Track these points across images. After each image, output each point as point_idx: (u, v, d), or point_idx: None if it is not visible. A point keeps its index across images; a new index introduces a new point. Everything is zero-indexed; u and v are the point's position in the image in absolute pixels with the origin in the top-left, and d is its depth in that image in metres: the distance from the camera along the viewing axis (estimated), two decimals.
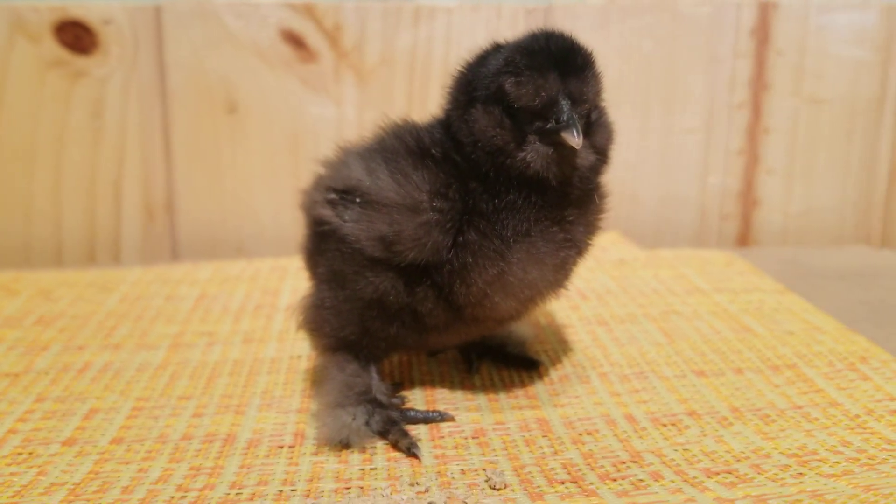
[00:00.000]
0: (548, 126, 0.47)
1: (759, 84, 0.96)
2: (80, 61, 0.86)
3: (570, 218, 0.50)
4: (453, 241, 0.49)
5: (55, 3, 0.85)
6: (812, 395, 0.54)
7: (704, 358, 0.61)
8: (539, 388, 0.56)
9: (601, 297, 0.74)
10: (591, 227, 0.52)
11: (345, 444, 0.48)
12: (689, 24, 0.94)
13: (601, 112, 0.51)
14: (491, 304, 0.50)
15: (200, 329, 0.67)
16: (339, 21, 0.90)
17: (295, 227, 0.94)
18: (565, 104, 0.47)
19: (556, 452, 0.47)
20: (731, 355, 0.61)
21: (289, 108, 0.92)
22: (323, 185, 0.54)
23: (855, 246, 0.99)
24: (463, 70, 0.52)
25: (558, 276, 0.52)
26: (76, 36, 0.86)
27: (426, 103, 0.92)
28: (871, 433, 0.49)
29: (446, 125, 0.52)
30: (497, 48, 0.51)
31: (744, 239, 1.01)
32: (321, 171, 0.59)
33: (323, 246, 0.53)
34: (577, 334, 0.66)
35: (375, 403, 0.51)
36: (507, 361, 0.60)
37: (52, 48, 0.85)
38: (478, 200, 0.49)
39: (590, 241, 0.53)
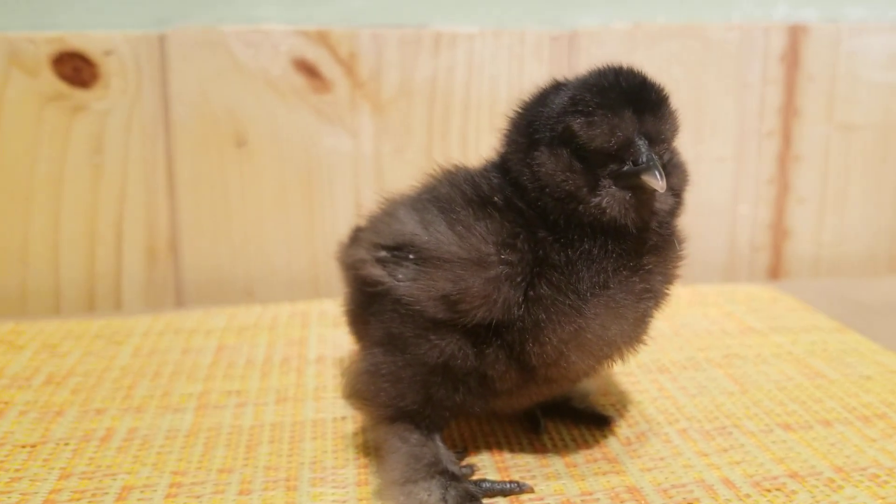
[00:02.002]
0: (625, 168, 0.43)
1: (789, 111, 0.93)
2: (79, 95, 0.80)
3: (649, 266, 0.45)
4: (524, 295, 0.44)
5: (53, 33, 0.79)
6: None
7: (785, 409, 0.56)
8: (616, 448, 0.51)
9: (655, 339, 0.68)
10: (669, 276, 0.48)
11: None
12: (717, 50, 0.90)
13: (674, 152, 0.47)
14: (567, 364, 0.45)
15: (226, 387, 0.61)
16: (354, 49, 0.85)
17: (309, 269, 0.89)
18: (643, 144, 0.43)
19: None
20: (812, 405, 0.57)
21: (301, 141, 0.86)
22: (369, 241, 0.49)
23: (894, 277, 0.95)
24: (521, 110, 0.47)
25: (638, 330, 0.47)
26: (75, 68, 0.80)
27: (447, 136, 0.88)
28: None
29: (504, 170, 0.47)
30: (558, 86, 0.47)
31: (775, 271, 0.97)
32: (364, 224, 0.54)
33: (375, 307, 0.48)
34: (641, 384, 0.61)
35: (448, 476, 0.45)
36: (576, 418, 0.55)
37: (50, 81, 0.79)
38: (549, 251, 0.44)
39: (668, 291, 0.48)
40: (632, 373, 0.62)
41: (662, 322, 0.73)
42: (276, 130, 0.86)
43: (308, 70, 0.85)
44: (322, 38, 0.84)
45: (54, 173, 0.82)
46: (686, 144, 0.92)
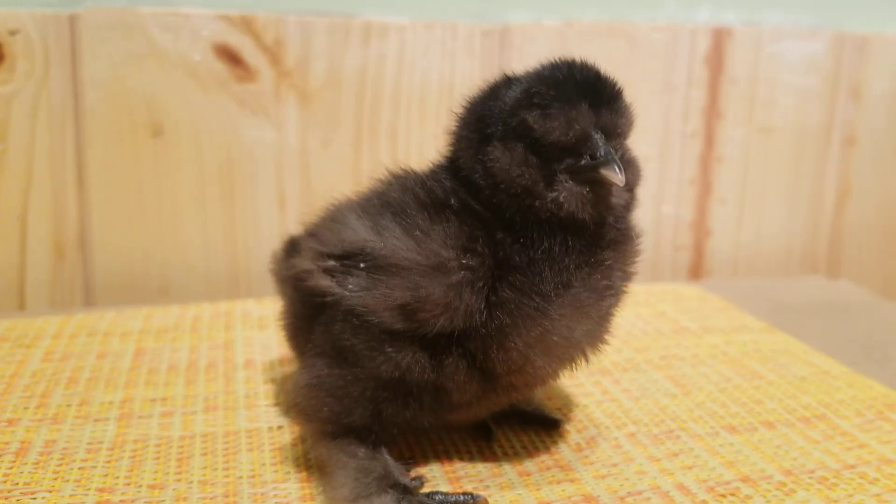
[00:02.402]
0: (582, 162, 0.42)
1: (712, 112, 0.94)
2: None
3: (608, 262, 0.44)
4: (486, 301, 0.42)
5: None
6: (858, 452, 0.51)
7: (728, 411, 0.56)
8: (568, 454, 0.50)
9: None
10: (628, 272, 0.47)
11: None
12: (644, 50, 0.91)
13: (626, 148, 0.46)
14: (532, 369, 0.43)
15: (149, 395, 0.57)
16: (280, 36, 0.81)
17: (229, 267, 0.85)
18: (600, 138, 0.41)
19: None
20: (753, 406, 0.57)
21: (222, 132, 0.82)
22: (314, 251, 0.46)
23: (808, 276, 0.98)
24: (470, 105, 0.46)
25: (601, 329, 0.46)
26: None
27: (376, 129, 0.85)
28: None
29: (453, 170, 0.45)
30: (509, 80, 0.45)
31: (696, 270, 0.99)
32: (299, 233, 0.51)
33: (322, 318, 0.45)
34: (584, 386, 0.60)
35: (400, 489, 0.43)
36: (525, 421, 0.53)
37: None
38: (509, 252, 0.42)
39: (626, 288, 0.47)
40: (573, 375, 0.61)
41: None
42: (196, 120, 0.81)
43: (230, 57, 0.81)
44: (246, 24, 0.80)
45: None
46: None
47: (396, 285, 0.41)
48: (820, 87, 0.96)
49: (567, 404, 0.57)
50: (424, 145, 0.86)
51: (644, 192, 0.93)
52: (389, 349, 0.42)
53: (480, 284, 0.41)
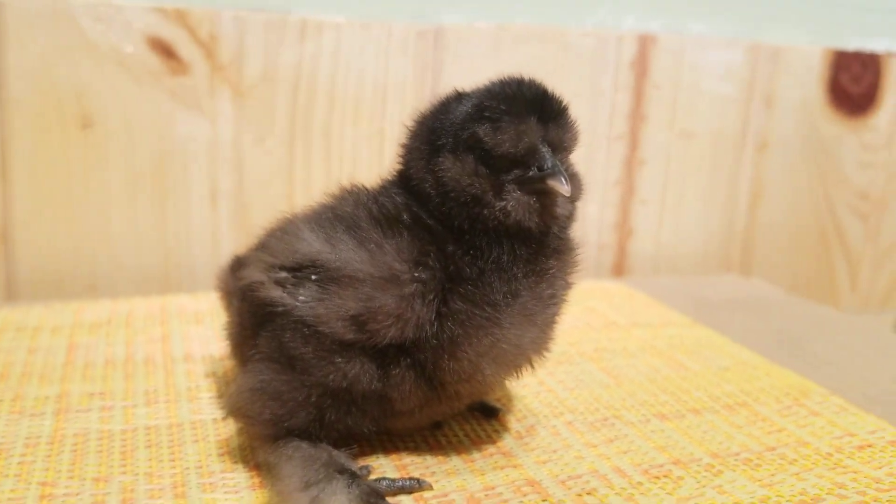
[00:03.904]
0: (530, 174, 0.44)
1: (636, 116, 0.98)
2: None
3: (553, 271, 0.47)
4: (437, 313, 0.43)
5: None
6: (777, 435, 0.54)
7: (658, 399, 0.59)
8: (510, 442, 0.52)
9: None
10: (567, 282, 0.49)
11: None
12: (574, 55, 0.93)
13: (569, 162, 0.48)
14: (482, 377, 0.46)
15: (87, 389, 0.56)
16: (215, 31, 0.81)
17: (160, 263, 0.84)
18: (547, 151, 0.44)
19: None
20: (681, 395, 0.60)
21: (154, 125, 0.81)
22: (265, 262, 0.47)
23: (724, 275, 1.03)
24: (421, 120, 0.48)
25: (545, 336, 0.49)
26: None
27: (310, 126, 0.85)
28: (855, 472, 0.49)
29: (404, 181, 0.47)
30: (460, 96, 0.47)
31: (619, 268, 1.02)
32: (244, 253, 0.51)
33: (270, 326, 0.46)
34: (521, 378, 0.61)
35: (349, 474, 0.44)
36: (467, 408, 0.55)
37: None
38: (459, 264, 0.44)
39: (566, 297, 0.49)
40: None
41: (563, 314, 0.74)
42: (127, 113, 0.80)
43: (164, 50, 0.80)
44: (180, 17, 0.79)
45: None
46: None
47: (349, 296, 0.43)
48: (736, 94, 1.00)
49: (506, 395, 0.58)
50: (358, 144, 0.87)
51: None
52: (339, 359, 0.44)
53: (431, 297, 0.43)
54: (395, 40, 0.86)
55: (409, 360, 0.44)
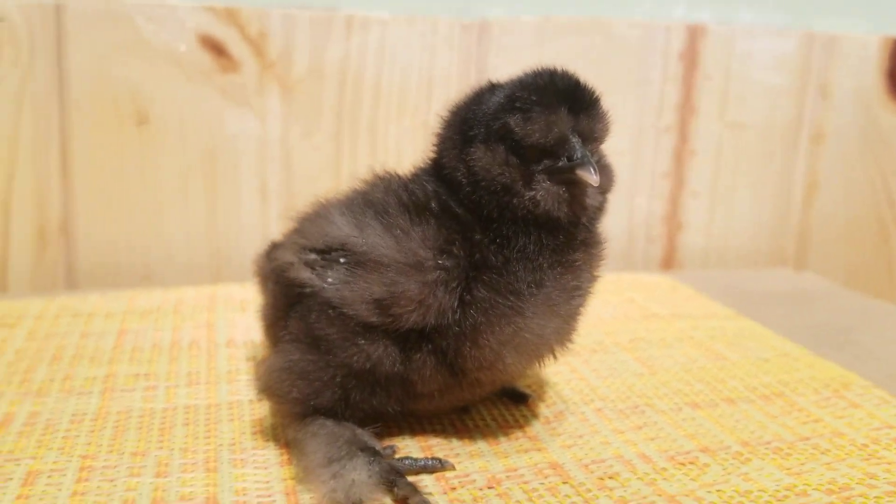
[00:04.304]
0: (560, 164, 0.44)
1: (686, 108, 0.97)
2: None
3: (579, 263, 0.47)
4: (459, 300, 0.44)
5: None
6: (813, 426, 0.53)
7: (692, 388, 0.59)
8: (537, 427, 0.52)
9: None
10: (593, 275, 0.49)
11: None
12: (621, 46, 0.93)
13: (601, 153, 0.48)
14: (503, 366, 0.46)
15: (133, 370, 0.59)
16: (264, 28, 0.83)
17: (211, 254, 0.87)
18: (577, 141, 0.44)
19: (586, 501, 0.43)
20: (717, 385, 0.59)
21: (206, 122, 0.84)
22: (297, 244, 0.48)
23: (776, 268, 1.01)
24: (455, 110, 0.48)
25: (569, 328, 0.49)
26: None
27: (356, 121, 0.87)
28: (889, 463, 0.48)
29: (437, 169, 0.48)
30: (493, 86, 0.47)
31: (668, 261, 1.01)
32: (290, 228, 0.53)
33: (299, 308, 0.47)
34: (554, 367, 0.61)
35: (371, 452, 0.45)
36: (496, 394, 0.55)
37: None
38: (485, 253, 0.45)
39: (592, 290, 0.49)
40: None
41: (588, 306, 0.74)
42: (180, 110, 0.83)
43: (215, 48, 0.82)
44: (231, 16, 0.82)
45: None
46: None
47: (374, 280, 0.44)
48: (790, 84, 0.98)
49: (537, 382, 0.59)
50: (403, 137, 0.88)
51: (618, 185, 0.96)
52: (362, 341, 0.45)
53: (454, 285, 0.44)
54: (439, 34, 0.87)
55: (430, 345, 0.45)
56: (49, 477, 0.44)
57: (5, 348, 0.61)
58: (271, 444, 0.49)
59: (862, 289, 0.93)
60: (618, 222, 0.98)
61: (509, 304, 0.44)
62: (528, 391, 0.56)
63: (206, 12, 0.81)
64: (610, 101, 0.96)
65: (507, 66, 0.91)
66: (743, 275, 0.94)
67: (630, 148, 0.96)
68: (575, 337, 0.49)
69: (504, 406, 0.55)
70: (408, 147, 0.88)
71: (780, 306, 0.81)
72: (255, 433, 0.50)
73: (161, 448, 0.48)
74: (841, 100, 0.98)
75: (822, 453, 0.49)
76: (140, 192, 0.84)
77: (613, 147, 0.97)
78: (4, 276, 0.81)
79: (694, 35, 0.94)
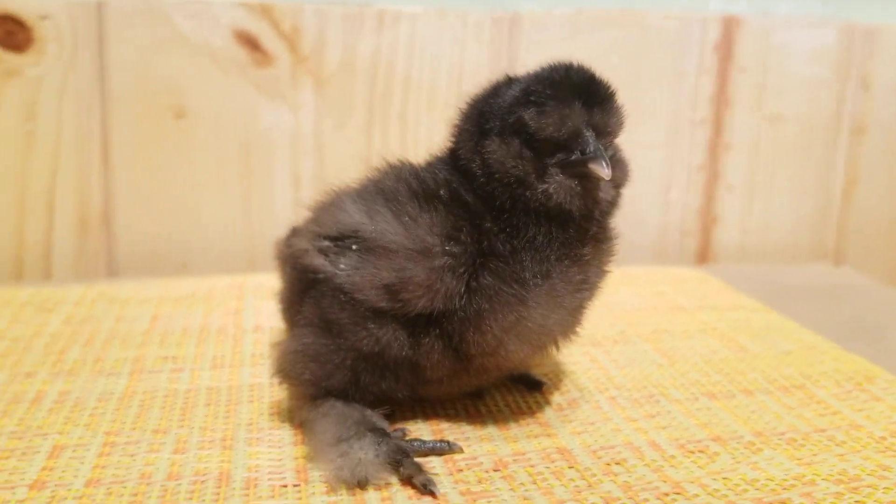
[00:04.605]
0: (573, 157, 0.44)
1: (721, 100, 0.96)
2: (12, 59, 0.78)
3: (587, 257, 0.47)
4: (466, 286, 0.45)
5: None
6: (831, 418, 0.52)
7: (710, 379, 0.58)
8: (549, 413, 0.53)
9: (587, 316, 0.70)
10: (602, 269, 0.49)
11: (362, 483, 0.43)
12: (655, 39, 0.92)
13: (616, 148, 0.48)
14: (505, 353, 0.47)
15: (162, 353, 0.61)
16: (297, 23, 0.84)
17: (246, 243, 0.89)
18: (590, 135, 0.44)
19: (590, 486, 0.44)
20: (736, 376, 0.59)
21: (241, 115, 0.86)
22: (311, 231, 0.50)
23: (814, 263, 0.99)
24: (473, 102, 0.49)
25: (573, 320, 0.49)
26: (9, 31, 0.78)
27: (387, 114, 0.88)
28: None
29: (453, 160, 0.48)
30: (510, 80, 0.48)
31: (703, 255, 1.00)
32: (300, 218, 0.54)
33: (312, 293, 0.49)
34: (573, 356, 0.62)
35: (379, 432, 0.46)
36: (511, 380, 0.56)
37: None
38: (493, 241, 0.45)
39: (600, 284, 0.50)
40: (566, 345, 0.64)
41: (595, 300, 0.74)
42: (216, 103, 0.85)
43: (250, 43, 0.84)
44: (265, 12, 0.84)
45: None
46: None
47: (383, 266, 0.45)
48: (829, 76, 0.97)
49: (554, 371, 0.59)
50: (433, 130, 0.89)
51: (652, 178, 0.96)
52: (372, 325, 0.46)
53: (461, 270, 0.45)
54: (470, 28, 0.88)
55: (437, 330, 0.46)
56: (74, 451, 0.46)
57: (42, 331, 0.64)
58: (287, 425, 0.50)
59: None
60: (652, 216, 0.97)
61: (513, 292, 0.45)
62: (543, 379, 0.56)
63: (240, 8, 0.83)
64: (644, 95, 0.96)
65: (539, 60, 0.91)
66: (778, 269, 0.93)
67: (665, 141, 0.96)
68: (580, 329, 0.50)
69: (518, 393, 0.55)
70: (438, 139, 0.88)
71: (813, 300, 0.80)
72: (272, 414, 0.51)
73: (182, 426, 0.50)
74: (882, 92, 0.96)
75: (837, 445, 0.49)
76: (177, 184, 0.86)
77: (648, 140, 0.97)
78: (48, 265, 0.84)
79: (729, 26, 0.93)
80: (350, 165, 0.88)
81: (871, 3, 0.97)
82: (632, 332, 0.67)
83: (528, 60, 0.89)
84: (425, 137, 0.89)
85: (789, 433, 0.50)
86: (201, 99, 0.85)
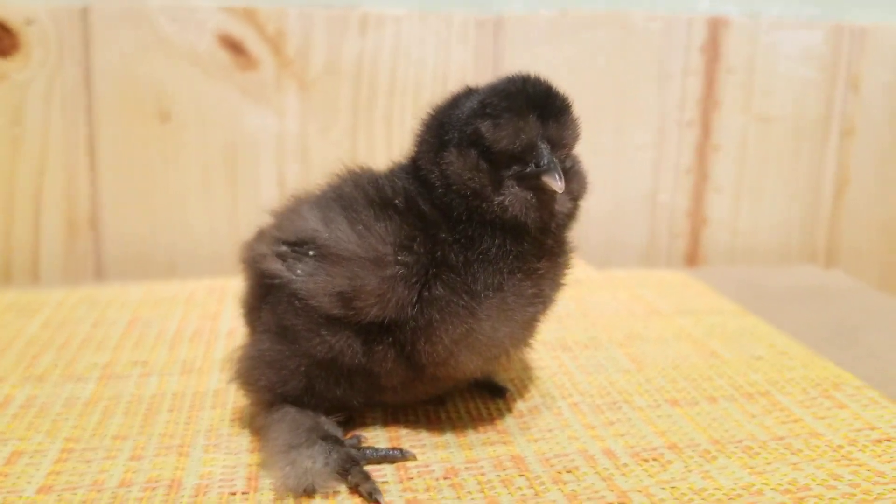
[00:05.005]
0: (527, 170, 0.45)
1: (708, 101, 0.95)
2: None
3: (541, 271, 0.47)
4: (418, 296, 0.45)
5: None
6: (791, 426, 0.52)
7: (676, 386, 0.58)
8: (509, 421, 0.53)
9: (561, 319, 0.71)
10: (558, 283, 0.49)
11: (308, 491, 0.43)
12: (641, 40, 0.92)
13: (575, 160, 0.49)
14: (455, 363, 0.47)
15: (133, 358, 0.62)
16: (281, 27, 0.85)
17: (232, 246, 0.89)
18: (545, 148, 0.44)
19: (536, 494, 0.44)
20: (702, 383, 0.59)
21: (226, 118, 0.87)
22: (271, 236, 0.50)
23: (804, 265, 0.99)
24: (433, 113, 0.49)
25: (525, 333, 0.49)
26: None
27: (372, 115, 0.88)
28: (859, 465, 0.47)
29: (413, 170, 0.49)
30: (469, 91, 0.48)
31: (693, 258, 1.00)
32: (269, 221, 0.54)
33: (270, 298, 0.49)
34: (542, 360, 0.62)
35: (331, 440, 0.46)
36: (475, 387, 0.56)
37: None
38: (447, 252, 0.45)
39: (555, 297, 0.50)
40: (535, 350, 0.64)
41: (572, 303, 0.75)
42: (201, 107, 0.86)
43: (234, 47, 0.85)
44: (249, 16, 0.84)
45: None
46: (608, 133, 0.94)
47: (337, 273, 0.45)
48: (818, 77, 0.96)
49: (520, 376, 0.59)
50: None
51: (640, 181, 0.96)
52: (325, 332, 0.46)
53: (413, 280, 0.45)
54: (454, 30, 0.88)
55: (390, 338, 0.46)
56: (31, 457, 0.47)
57: (20, 336, 0.65)
58: (246, 432, 0.51)
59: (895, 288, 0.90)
60: (641, 218, 0.97)
61: (463, 303, 0.45)
62: (506, 385, 0.57)
63: (225, 12, 0.84)
64: (630, 96, 0.96)
65: (524, 62, 0.91)
66: (766, 272, 0.92)
67: (652, 142, 0.95)
68: (533, 342, 0.51)
69: (481, 399, 0.56)
70: None
71: (795, 304, 0.80)
72: (233, 420, 0.52)
73: (141, 433, 0.50)
74: (872, 93, 0.95)
75: (793, 453, 0.48)
76: (164, 187, 0.87)
77: (635, 142, 0.97)
78: (36, 268, 0.85)
79: (715, 27, 0.93)
80: (335, 168, 0.89)
81: (859, 3, 0.96)
82: (605, 336, 0.68)
83: (513, 63, 0.90)
84: (410, 140, 0.89)
85: (746, 441, 0.50)
86: (186, 103, 0.85)
